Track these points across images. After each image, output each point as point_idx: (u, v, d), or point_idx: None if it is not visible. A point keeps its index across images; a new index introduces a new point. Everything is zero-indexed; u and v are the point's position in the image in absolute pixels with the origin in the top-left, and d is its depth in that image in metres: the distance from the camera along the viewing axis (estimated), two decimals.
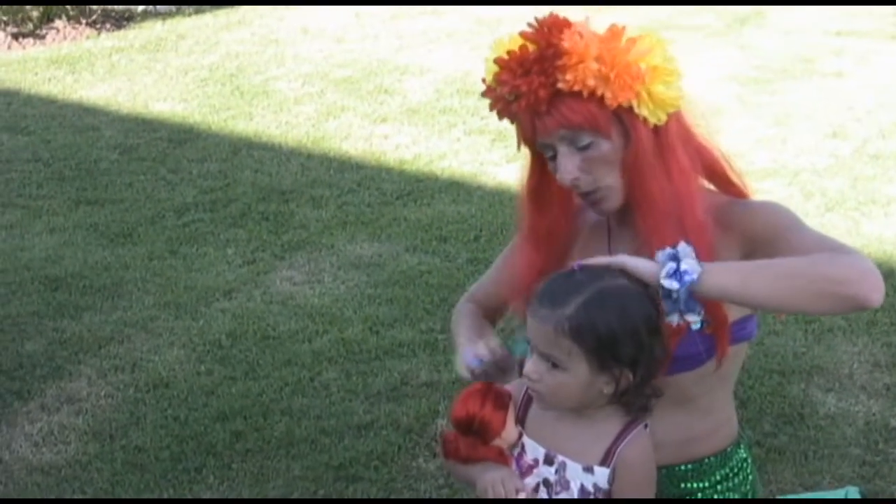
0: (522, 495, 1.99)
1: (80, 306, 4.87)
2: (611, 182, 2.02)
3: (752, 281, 1.86)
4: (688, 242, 1.86)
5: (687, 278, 1.81)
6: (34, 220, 5.84)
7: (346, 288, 5.03)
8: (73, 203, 6.05)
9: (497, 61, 1.97)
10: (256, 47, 9.01)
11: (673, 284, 1.81)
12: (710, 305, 1.94)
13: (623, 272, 1.90)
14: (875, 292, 1.84)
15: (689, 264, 1.81)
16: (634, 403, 1.96)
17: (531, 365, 1.94)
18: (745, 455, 2.21)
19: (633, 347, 1.88)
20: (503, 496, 1.98)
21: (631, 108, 1.95)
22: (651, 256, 1.92)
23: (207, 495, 3.57)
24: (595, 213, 2.13)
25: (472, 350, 2.12)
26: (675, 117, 2.00)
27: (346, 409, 4.06)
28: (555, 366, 1.91)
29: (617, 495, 1.97)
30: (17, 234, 5.66)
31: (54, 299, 4.93)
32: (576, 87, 1.92)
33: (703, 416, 2.11)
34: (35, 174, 6.49)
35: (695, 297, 1.83)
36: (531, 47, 1.94)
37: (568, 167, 1.99)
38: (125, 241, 5.58)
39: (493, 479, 2.00)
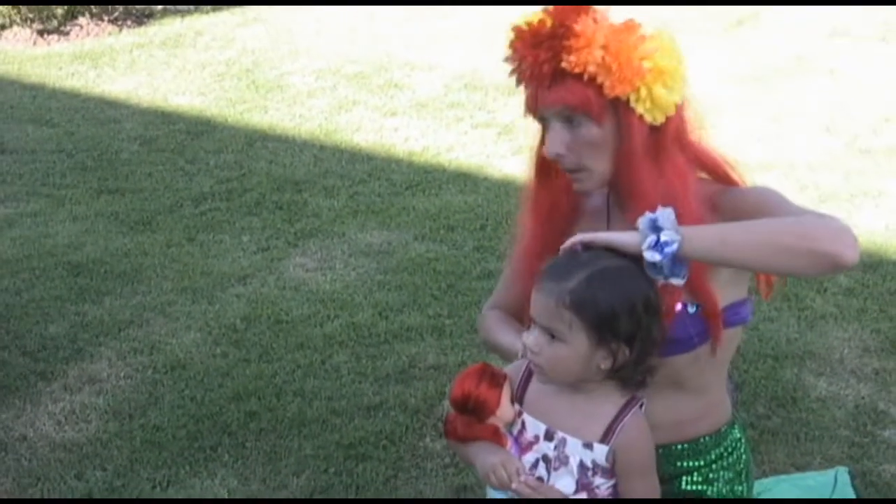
0: (523, 477, 2.02)
1: (102, 291, 4.97)
2: (594, 166, 2.04)
3: (730, 242, 1.88)
4: (659, 208, 1.87)
5: (667, 249, 1.83)
6: (58, 208, 5.94)
7: (356, 274, 5.13)
8: (94, 192, 6.16)
9: (514, 29, 2.02)
10: (271, 43, 9.09)
11: (655, 257, 1.83)
12: (704, 297, 1.99)
13: (611, 250, 1.92)
14: (849, 249, 1.86)
15: (669, 235, 1.83)
16: (630, 380, 1.98)
17: (533, 338, 1.97)
18: (739, 435, 2.24)
19: (630, 324, 1.90)
20: (505, 479, 2.01)
21: (628, 102, 1.98)
22: None
23: (222, 472, 3.66)
24: (594, 196, 2.16)
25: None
26: (676, 118, 2.02)
27: (356, 391, 4.14)
28: (555, 338, 1.94)
29: (623, 478, 2.01)
30: (42, 221, 5.76)
31: (76, 284, 5.03)
32: (577, 70, 1.95)
33: (697, 397, 2.14)
34: (59, 164, 6.59)
35: (678, 261, 1.85)
36: (548, 22, 1.98)
37: (555, 141, 2.03)
38: (144, 228, 5.68)
39: (493, 464, 2.02)
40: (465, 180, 6.25)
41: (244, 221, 5.77)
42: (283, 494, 3.58)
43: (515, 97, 7.28)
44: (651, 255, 1.84)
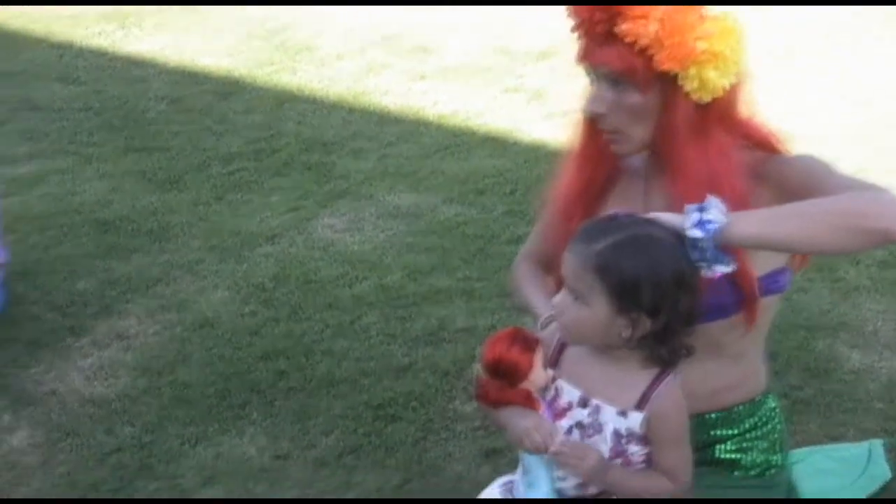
0: (559, 439, 2.02)
1: (129, 248, 4.96)
2: (632, 132, 2.05)
3: (779, 225, 1.85)
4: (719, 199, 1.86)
5: (710, 226, 1.81)
6: (85, 165, 5.91)
7: (385, 236, 5.11)
8: (122, 150, 6.13)
9: None
10: (300, 6, 9.01)
11: (697, 233, 1.82)
12: (741, 278, 1.98)
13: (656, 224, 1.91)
14: None
15: (714, 214, 1.82)
16: (655, 355, 1.97)
17: (559, 297, 1.98)
18: (773, 405, 2.26)
19: (654, 295, 1.88)
20: (539, 442, 2.01)
21: (676, 77, 1.97)
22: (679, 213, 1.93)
23: (251, 431, 3.66)
24: (634, 157, 2.15)
25: None
26: (725, 99, 2.01)
27: (386, 352, 4.13)
28: (578, 300, 1.93)
29: (655, 446, 2.01)
30: (70, 178, 5.74)
31: (104, 241, 5.02)
32: (628, 39, 1.94)
33: (732, 364, 2.15)
34: (86, 122, 6.56)
35: (723, 247, 1.83)
36: None
37: (596, 100, 2.04)
38: (172, 187, 5.66)
39: (525, 428, 2.02)
40: (495, 144, 6.22)
41: (273, 182, 5.74)
42: (312, 454, 3.57)
43: (545, 62, 7.31)
44: (693, 232, 1.82)
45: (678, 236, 1.87)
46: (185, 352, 4.16)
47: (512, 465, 2.25)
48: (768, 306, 2.13)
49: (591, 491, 2.09)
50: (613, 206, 2.16)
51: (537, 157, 5.89)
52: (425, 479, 3.48)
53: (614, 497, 2.08)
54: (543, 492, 2.11)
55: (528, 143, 6.22)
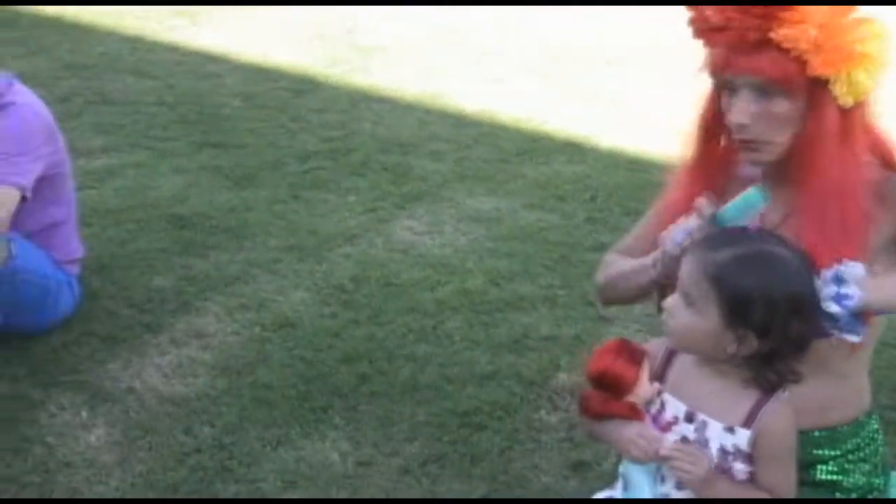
0: (666, 443, 1.99)
1: (207, 245, 4.91)
2: (777, 140, 2.00)
3: None
4: (849, 262, 1.86)
5: (847, 302, 1.82)
6: (160, 160, 5.88)
7: (466, 240, 5.04)
8: (197, 146, 6.10)
9: None
10: (373, 4, 9.01)
11: (832, 308, 1.83)
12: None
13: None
14: None
15: (852, 289, 1.83)
16: (761, 374, 1.94)
17: (671, 298, 1.96)
18: (876, 426, 2.24)
19: (765, 316, 1.86)
20: (647, 448, 2.00)
21: (826, 83, 1.93)
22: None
23: (333, 435, 3.59)
24: (749, 163, 2.12)
25: (682, 226, 2.03)
26: (863, 104, 1.99)
27: (469, 359, 4.05)
28: (690, 305, 1.92)
29: (759, 464, 1.98)
30: (145, 173, 5.71)
31: (181, 237, 4.97)
32: (786, 45, 1.89)
33: (838, 382, 2.12)
34: (160, 117, 6.55)
35: (857, 318, 1.85)
36: None
37: (743, 111, 1.99)
38: (248, 184, 5.61)
39: (630, 438, 2.02)
40: (574, 150, 6.15)
41: (349, 181, 5.69)
42: (395, 461, 3.50)
43: (623, 68, 7.28)
44: (830, 307, 1.83)
45: (804, 258, 1.86)
46: (264, 352, 4.08)
47: (601, 478, 2.19)
48: (874, 326, 2.08)
49: None
50: None
51: (616, 163, 5.82)
52: (511, 490, 3.40)
53: None
54: None
55: (606, 149, 6.14)
